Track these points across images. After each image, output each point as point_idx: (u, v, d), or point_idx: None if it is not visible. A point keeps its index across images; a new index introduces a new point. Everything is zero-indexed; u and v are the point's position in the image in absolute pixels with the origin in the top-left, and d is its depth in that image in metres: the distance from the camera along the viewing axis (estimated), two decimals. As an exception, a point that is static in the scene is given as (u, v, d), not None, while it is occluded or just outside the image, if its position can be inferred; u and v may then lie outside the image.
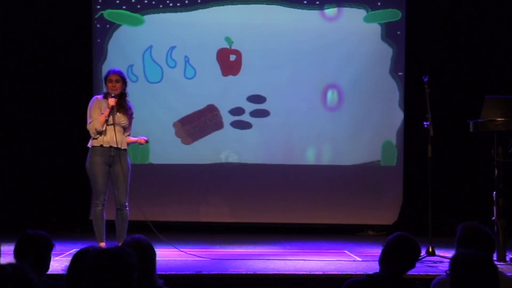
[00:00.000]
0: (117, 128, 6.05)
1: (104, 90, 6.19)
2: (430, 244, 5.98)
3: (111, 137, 6.00)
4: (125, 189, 6.07)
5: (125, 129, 6.20)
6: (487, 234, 3.66)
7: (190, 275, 5.33)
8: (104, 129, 6.01)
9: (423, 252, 5.97)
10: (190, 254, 6.33)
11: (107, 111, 6.00)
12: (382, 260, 3.43)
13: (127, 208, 6.12)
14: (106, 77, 6.15)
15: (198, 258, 6.13)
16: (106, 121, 6.01)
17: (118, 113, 6.08)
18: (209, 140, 8.79)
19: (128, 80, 6.29)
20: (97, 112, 6.06)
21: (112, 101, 6.01)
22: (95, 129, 6.00)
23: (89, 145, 6.12)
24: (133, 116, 6.25)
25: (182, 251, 6.31)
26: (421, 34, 8.84)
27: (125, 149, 6.12)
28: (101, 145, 6.03)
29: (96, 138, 6.04)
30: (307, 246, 7.43)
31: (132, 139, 6.27)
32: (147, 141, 6.30)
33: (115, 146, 6.03)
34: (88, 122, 6.11)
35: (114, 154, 6.04)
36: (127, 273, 2.68)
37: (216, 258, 6.23)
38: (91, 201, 8.54)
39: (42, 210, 8.39)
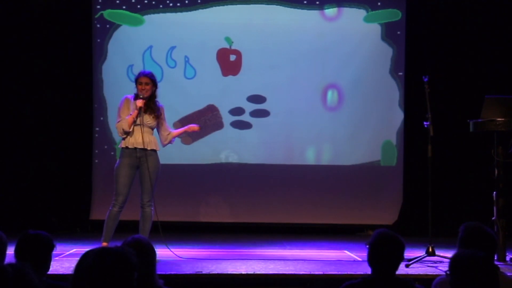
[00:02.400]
0: (144, 129, 6.08)
1: (135, 91, 6.18)
2: (430, 244, 5.96)
3: (136, 139, 6.05)
4: (148, 188, 6.08)
5: (158, 129, 6.24)
6: (489, 234, 3.65)
7: (190, 275, 5.32)
8: (131, 130, 6.06)
9: (423, 252, 5.98)
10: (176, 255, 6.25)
11: (135, 113, 6.04)
12: (371, 261, 3.43)
13: (152, 208, 6.12)
14: (136, 79, 6.19)
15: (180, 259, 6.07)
16: (134, 122, 6.05)
17: (145, 114, 6.11)
18: (209, 140, 8.78)
19: (157, 82, 6.28)
20: (126, 112, 6.11)
21: (140, 103, 6.04)
22: (122, 129, 6.06)
23: (120, 146, 6.20)
24: (163, 116, 6.25)
25: (171, 251, 6.18)
26: (421, 34, 8.84)
27: (153, 150, 6.13)
28: (127, 147, 6.09)
29: (124, 139, 6.10)
30: (307, 246, 7.42)
31: (178, 131, 6.38)
32: (200, 128, 6.44)
33: (140, 147, 6.06)
34: (116, 121, 6.17)
35: (141, 155, 6.07)
36: (126, 272, 2.67)
37: (216, 258, 6.23)
38: (92, 200, 8.62)
39: (43, 210, 8.38)
